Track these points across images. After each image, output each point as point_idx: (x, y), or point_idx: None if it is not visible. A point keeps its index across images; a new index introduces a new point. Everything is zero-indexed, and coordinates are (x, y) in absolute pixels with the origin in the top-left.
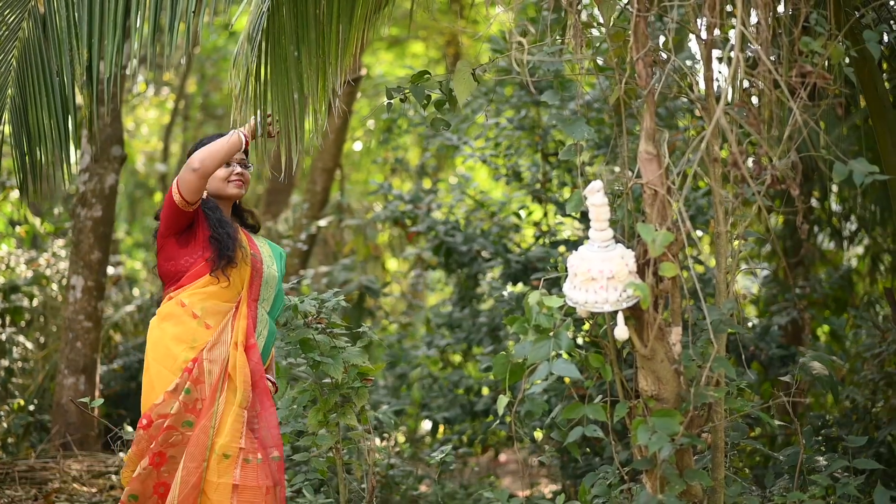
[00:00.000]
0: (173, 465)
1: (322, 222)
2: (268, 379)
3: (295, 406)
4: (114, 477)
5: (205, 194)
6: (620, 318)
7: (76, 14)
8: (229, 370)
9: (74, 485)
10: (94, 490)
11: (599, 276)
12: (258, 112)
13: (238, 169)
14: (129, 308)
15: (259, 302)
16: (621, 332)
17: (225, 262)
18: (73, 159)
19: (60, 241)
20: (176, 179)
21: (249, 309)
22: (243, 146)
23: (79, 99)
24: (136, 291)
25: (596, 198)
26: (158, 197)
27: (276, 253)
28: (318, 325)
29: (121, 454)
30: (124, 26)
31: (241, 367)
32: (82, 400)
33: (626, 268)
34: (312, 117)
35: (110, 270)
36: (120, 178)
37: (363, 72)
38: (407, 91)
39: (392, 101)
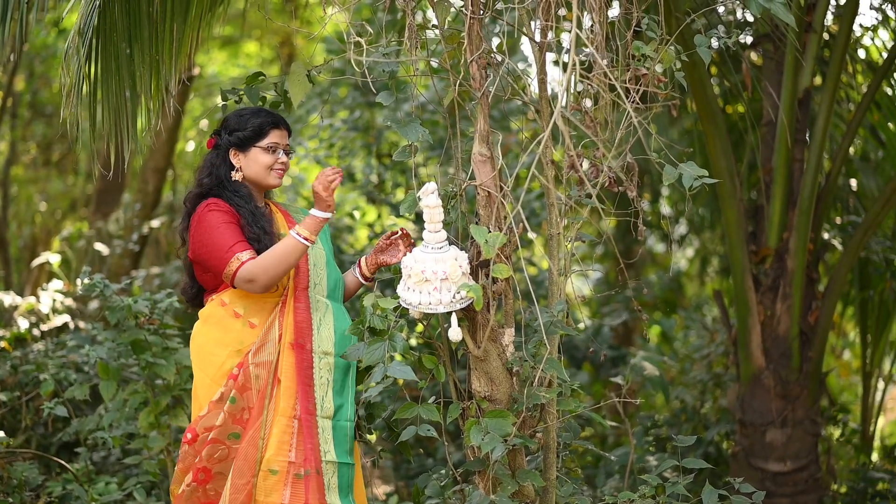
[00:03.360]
0: (220, 482)
1: (154, 223)
2: None
3: (126, 408)
4: None
5: (240, 176)
6: (454, 319)
7: None
8: (278, 374)
9: None
10: None
11: (433, 278)
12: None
13: (283, 158)
14: None
15: (310, 289)
16: (455, 333)
17: None
18: None
19: None
20: (238, 266)
21: (298, 301)
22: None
23: None
24: None
25: (430, 199)
26: None
27: None
28: (151, 326)
29: None
30: None
31: (287, 370)
32: None
33: (460, 269)
34: (145, 116)
35: None
36: None
37: (196, 71)
38: (241, 92)
39: (226, 102)
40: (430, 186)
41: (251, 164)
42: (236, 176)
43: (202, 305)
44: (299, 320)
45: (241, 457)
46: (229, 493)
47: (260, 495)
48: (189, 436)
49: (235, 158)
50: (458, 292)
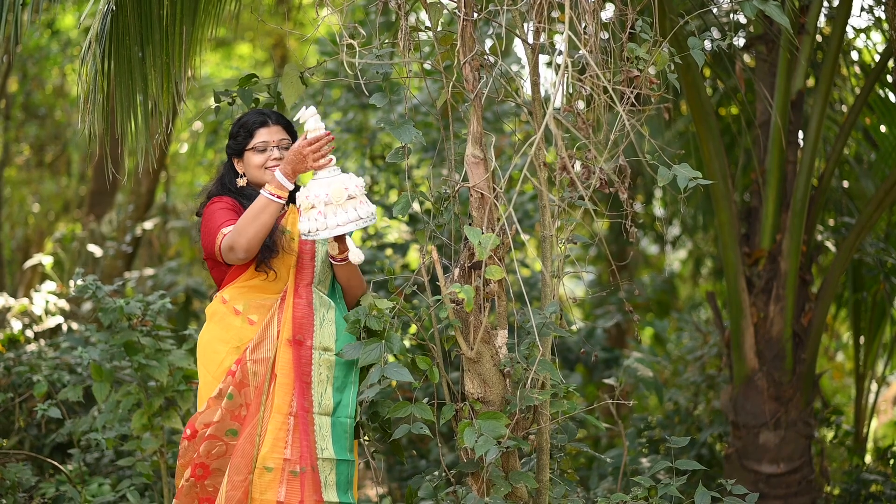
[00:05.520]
0: (218, 479)
1: (147, 224)
2: None
3: (120, 410)
4: None
5: (244, 181)
6: (350, 242)
7: None
8: (275, 371)
9: None
10: None
11: (317, 203)
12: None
13: (275, 154)
14: None
15: (315, 284)
16: (355, 255)
17: (267, 254)
18: None
19: None
20: (221, 239)
21: (299, 297)
22: (281, 207)
23: None
24: None
25: (310, 123)
26: None
27: None
28: (144, 328)
29: None
30: None
31: (284, 367)
32: None
33: (346, 191)
34: (157, 118)
35: None
36: None
37: (189, 73)
38: (234, 94)
39: (219, 103)
40: (310, 110)
41: (248, 167)
42: (241, 182)
43: None
44: (299, 316)
45: (239, 453)
46: (226, 490)
47: (256, 492)
48: (188, 431)
49: (239, 165)
50: (346, 213)
